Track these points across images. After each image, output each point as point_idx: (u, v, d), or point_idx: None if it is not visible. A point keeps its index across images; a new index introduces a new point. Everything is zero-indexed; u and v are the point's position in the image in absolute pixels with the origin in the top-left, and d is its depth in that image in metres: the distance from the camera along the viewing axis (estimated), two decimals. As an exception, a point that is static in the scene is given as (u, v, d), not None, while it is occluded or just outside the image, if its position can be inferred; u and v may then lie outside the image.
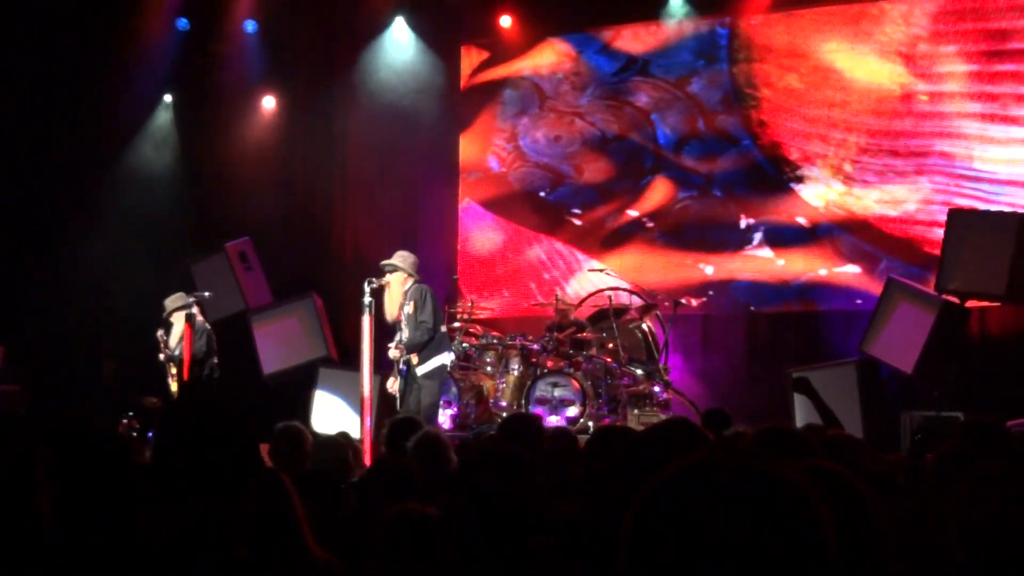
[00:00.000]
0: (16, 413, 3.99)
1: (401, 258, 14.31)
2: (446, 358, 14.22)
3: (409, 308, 14.16)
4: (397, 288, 14.09)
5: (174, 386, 15.79)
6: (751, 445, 5.22)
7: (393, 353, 14.15)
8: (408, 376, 14.02)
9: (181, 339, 15.42)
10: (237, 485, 3.63)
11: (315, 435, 9.22)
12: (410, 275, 14.16)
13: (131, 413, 15.42)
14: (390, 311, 14.30)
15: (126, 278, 18.33)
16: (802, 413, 14.52)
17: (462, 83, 19.87)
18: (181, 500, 3.60)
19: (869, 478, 5.49)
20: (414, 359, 13.91)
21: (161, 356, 16.02)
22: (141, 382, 17.31)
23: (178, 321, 15.73)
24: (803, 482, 2.15)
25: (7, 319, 17.84)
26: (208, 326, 16.17)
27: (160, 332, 16.09)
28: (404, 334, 14.00)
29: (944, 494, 5.82)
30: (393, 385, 14.09)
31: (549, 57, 19.38)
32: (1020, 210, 14.74)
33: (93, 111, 18.82)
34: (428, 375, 13.98)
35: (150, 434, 15.33)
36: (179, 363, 15.31)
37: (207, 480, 3.59)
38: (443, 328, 14.39)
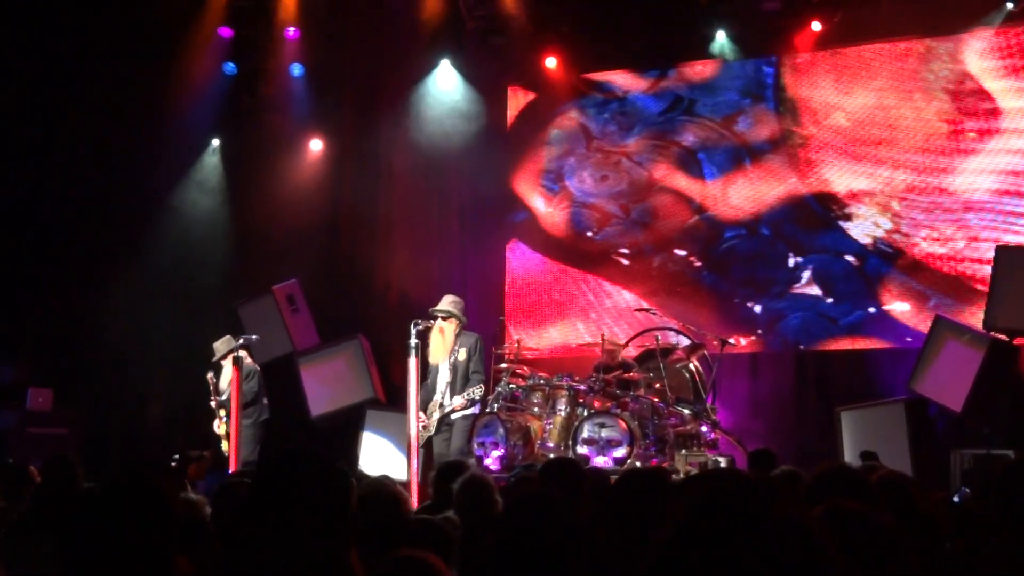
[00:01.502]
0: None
1: (453, 304, 14.73)
2: (476, 409, 14.87)
3: (461, 355, 14.51)
4: (449, 334, 14.54)
5: (222, 429, 15.85)
6: (810, 486, 5.18)
7: (460, 401, 14.51)
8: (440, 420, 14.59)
9: (230, 383, 15.47)
10: (338, 532, 3.62)
11: (360, 480, 9.19)
12: (461, 321, 14.57)
13: (177, 456, 15.48)
14: (438, 355, 14.59)
15: (173, 321, 18.47)
16: (851, 451, 14.46)
17: (508, 124, 19.91)
18: (272, 549, 3.58)
19: (923, 518, 5.45)
20: (457, 402, 14.41)
21: (212, 402, 16.08)
22: (188, 426, 17.40)
23: (228, 365, 15.80)
24: (812, 524, 2.18)
25: (56, 362, 17.95)
26: (257, 368, 16.24)
27: (210, 375, 16.16)
28: (446, 378, 14.45)
29: (994, 534, 5.77)
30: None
31: (595, 98, 19.42)
32: (1069, 246, 14.66)
33: (141, 155, 18.92)
34: (462, 419, 14.51)
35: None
36: (229, 406, 15.35)
37: (305, 529, 3.58)
38: None
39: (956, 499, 12.11)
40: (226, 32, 19.49)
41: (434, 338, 14.88)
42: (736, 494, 2.30)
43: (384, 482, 8.20)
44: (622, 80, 19.29)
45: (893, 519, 3.47)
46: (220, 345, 16.08)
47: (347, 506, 3.69)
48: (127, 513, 3.94)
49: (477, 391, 14.66)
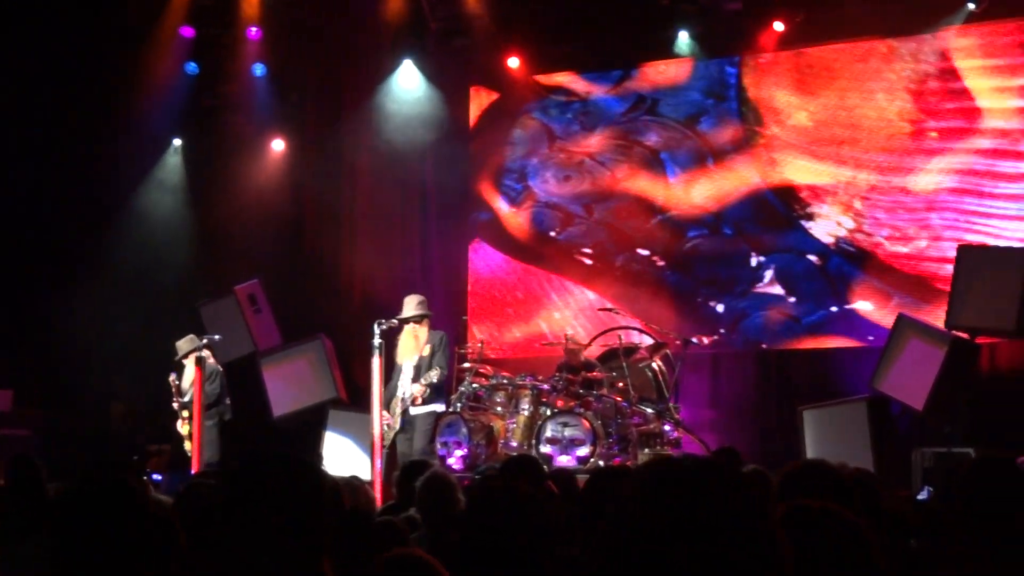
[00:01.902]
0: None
1: (420, 304, 14.84)
2: (440, 407, 14.89)
3: (426, 352, 14.59)
4: (423, 335, 14.88)
5: (185, 429, 15.80)
6: (782, 483, 5.18)
7: (417, 388, 14.51)
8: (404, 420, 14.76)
9: (192, 383, 15.44)
10: (312, 535, 3.60)
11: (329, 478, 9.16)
12: (430, 317, 14.76)
13: (136, 457, 15.44)
14: (406, 354, 14.72)
15: (134, 321, 18.39)
16: (813, 449, 14.50)
17: (471, 124, 19.89)
18: (245, 552, 3.55)
19: (889, 515, 5.47)
20: (415, 389, 14.46)
21: (175, 403, 16.04)
22: (150, 425, 17.34)
23: (190, 365, 15.77)
24: (763, 503, 2.20)
25: (16, 363, 17.86)
26: (220, 368, 16.20)
27: (172, 376, 16.13)
28: (409, 375, 14.57)
29: (957, 532, 5.80)
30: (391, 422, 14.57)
31: (558, 98, 19.41)
32: (1030, 245, 14.72)
33: (103, 155, 18.87)
34: (424, 418, 14.46)
35: (157, 477, 15.39)
36: (191, 407, 15.31)
37: (278, 533, 3.55)
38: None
39: (921, 497, 12.17)
40: (188, 32, 19.42)
41: (405, 339, 14.97)
42: (682, 472, 2.31)
43: (352, 482, 8.20)
44: (585, 80, 19.29)
45: (859, 517, 3.46)
46: (183, 344, 16.06)
47: (319, 506, 3.66)
48: (108, 515, 3.91)
49: (433, 374, 14.68)
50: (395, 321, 14.18)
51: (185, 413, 15.89)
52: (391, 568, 4.22)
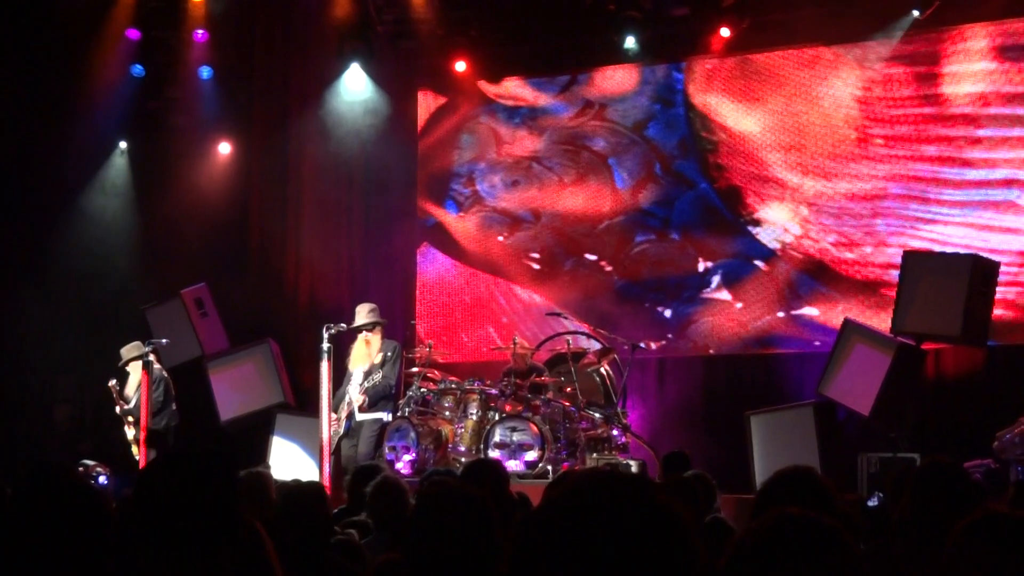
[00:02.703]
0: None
1: (372, 312, 14.91)
2: (386, 416, 14.95)
3: (377, 360, 14.60)
4: (376, 343, 14.98)
5: (131, 433, 15.70)
6: (767, 489, 5.19)
7: (358, 399, 14.50)
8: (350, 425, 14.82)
9: (138, 387, 15.36)
10: (218, 535, 3.59)
11: (276, 482, 9.15)
12: (383, 325, 14.84)
13: (85, 461, 15.34)
14: (359, 362, 14.75)
15: (80, 324, 18.27)
16: (760, 454, 14.58)
17: (419, 128, 19.86)
18: (160, 550, 3.55)
19: (842, 518, 5.50)
20: (356, 398, 14.53)
21: (117, 409, 15.95)
22: (94, 428, 17.24)
23: (134, 370, 15.70)
24: (677, 507, 2.23)
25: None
26: (165, 374, 16.10)
27: (113, 382, 16.02)
28: (359, 382, 14.59)
29: (904, 535, 5.84)
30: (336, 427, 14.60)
31: (506, 102, 19.41)
32: (973, 252, 14.81)
33: (47, 157, 18.74)
34: (370, 424, 14.53)
35: (103, 481, 15.29)
36: (137, 412, 15.22)
37: (189, 530, 3.55)
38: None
39: (871, 504, 12.25)
40: (134, 34, 19.28)
41: (358, 347, 14.99)
42: (593, 483, 2.34)
43: (310, 485, 8.18)
44: (532, 86, 19.29)
45: (838, 522, 3.48)
46: (126, 351, 15.97)
47: (231, 501, 3.67)
48: (63, 510, 3.90)
49: (376, 377, 14.68)
50: (343, 326, 14.15)
51: (130, 419, 15.79)
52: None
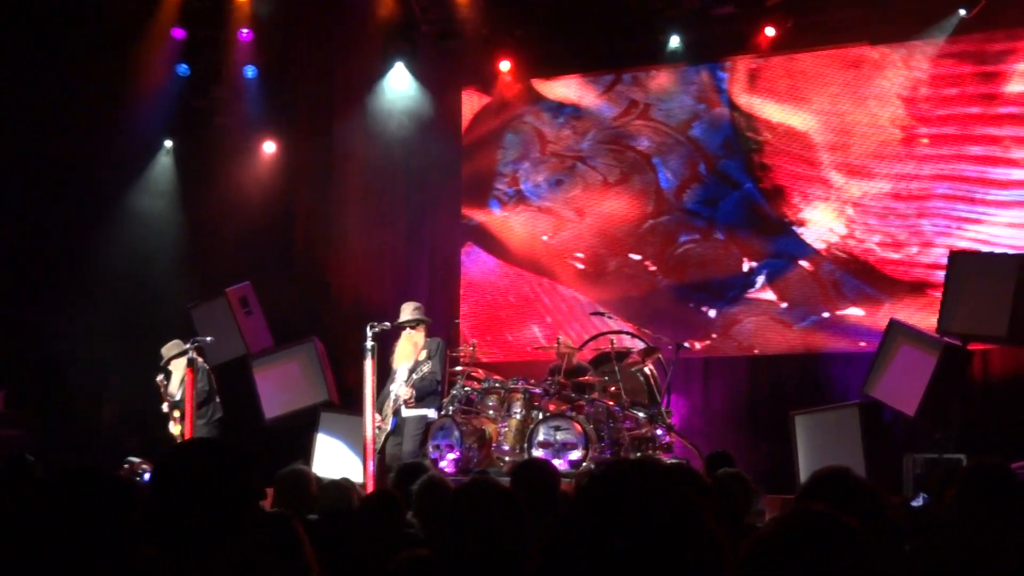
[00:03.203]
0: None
1: (417, 310, 14.94)
2: (432, 413, 14.96)
3: (422, 357, 14.60)
4: (420, 340, 14.93)
5: (176, 429, 15.74)
6: (806, 489, 5.17)
7: (405, 392, 14.51)
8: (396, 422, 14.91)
9: (182, 383, 15.40)
10: (235, 530, 3.59)
11: (320, 479, 9.17)
12: (428, 324, 14.91)
13: (130, 458, 15.39)
14: (403, 359, 14.78)
15: (126, 323, 18.34)
16: (804, 455, 14.53)
17: (463, 127, 19.86)
18: (175, 546, 3.55)
19: (887, 520, 5.47)
20: (403, 392, 14.53)
21: (164, 406, 15.99)
22: (140, 426, 17.31)
23: (177, 368, 15.74)
24: (700, 507, 2.24)
25: (7, 364, 17.82)
26: (207, 367, 16.13)
27: (160, 378, 16.06)
28: (403, 379, 14.60)
29: (950, 536, 5.81)
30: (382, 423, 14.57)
31: (550, 102, 19.39)
32: (1020, 252, 14.73)
33: (93, 156, 18.81)
34: (415, 422, 14.52)
35: (148, 477, 15.34)
36: (182, 406, 15.26)
37: (203, 525, 3.55)
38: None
39: (916, 504, 12.19)
40: (179, 33, 19.35)
41: (403, 344, 15.01)
42: (618, 477, 2.34)
43: (343, 484, 8.20)
44: (577, 85, 19.27)
45: (858, 521, 3.46)
46: (167, 350, 16.00)
47: (245, 494, 3.67)
48: (93, 501, 3.90)
49: (424, 367, 14.68)
50: (387, 325, 14.14)
51: (176, 413, 15.83)
52: (402, 569, 4.24)
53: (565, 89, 19.32)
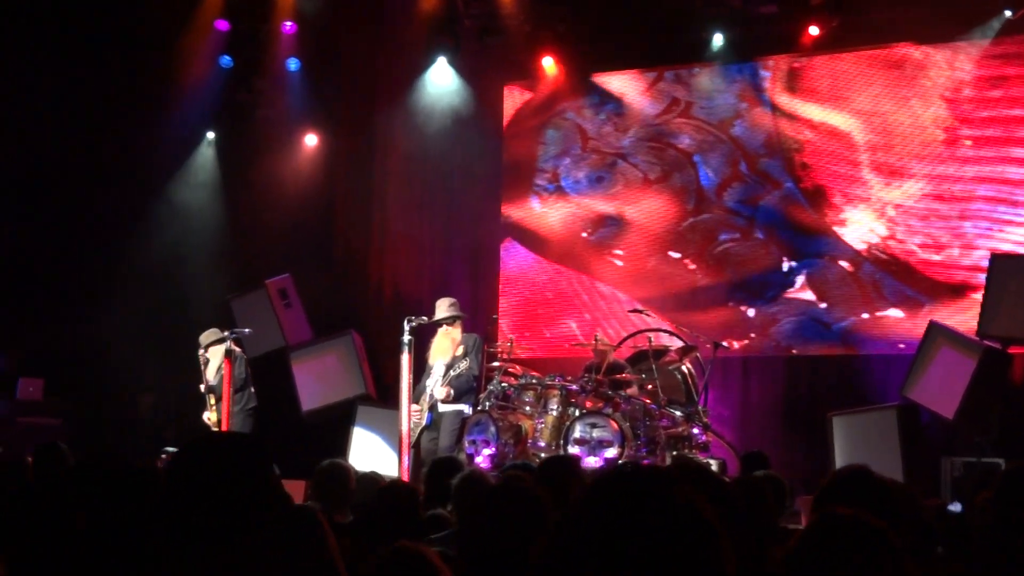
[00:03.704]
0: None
1: (452, 306, 14.92)
2: (467, 408, 14.93)
3: (459, 353, 14.59)
4: (457, 336, 14.81)
5: (213, 417, 15.76)
6: (825, 490, 5.15)
7: (440, 392, 14.51)
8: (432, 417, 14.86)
9: (219, 371, 15.45)
10: (248, 524, 3.59)
11: (358, 474, 9.20)
12: (463, 319, 14.84)
13: (168, 448, 15.44)
14: (440, 355, 14.76)
15: (165, 313, 18.44)
16: (842, 456, 14.46)
17: (504, 123, 19.87)
18: (188, 540, 3.55)
19: (919, 523, 5.45)
20: (439, 393, 14.54)
21: (202, 387, 16.00)
22: (177, 416, 17.38)
23: (215, 356, 15.75)
24: (699, 505, 2.23)
25: (46, 353, 17.93)
26: (244, 355, 16.15)
27: (202, 352, 15.99)
28: (441, 376, 14.59)
29: (986, 540, 5.78)
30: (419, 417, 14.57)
31: (592, 98, 19.38)
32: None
33: (136, 147, 18.91)
34: (451, 417, 14.50)
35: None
36: (219, 395, 15.30)
37: (216, 519, 3.54)
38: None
39: (953, 509, 12.13)
40: (223, 25, 19.45)
41: (439, 340, 14.99)
42: (622, 480, 2.34)
43: (372, 477, 8.22)
44: (619, 81, 19.25)
45: (886, 524, 3.46)
46: (204, 337, 15.99)
47: (263, 486, 3.66)
48: (118, 491, 3.91)
49: (462, 365, 14.69)
50: (425, 319, 14.17)
51: (211, 400, 15.83)
52: (392, 559, 4.22)
53: (607, 86, 19.30)
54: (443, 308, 15.00)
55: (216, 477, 3.58)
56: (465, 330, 15.29)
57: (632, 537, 2.19)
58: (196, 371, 16.03)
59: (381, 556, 4.28)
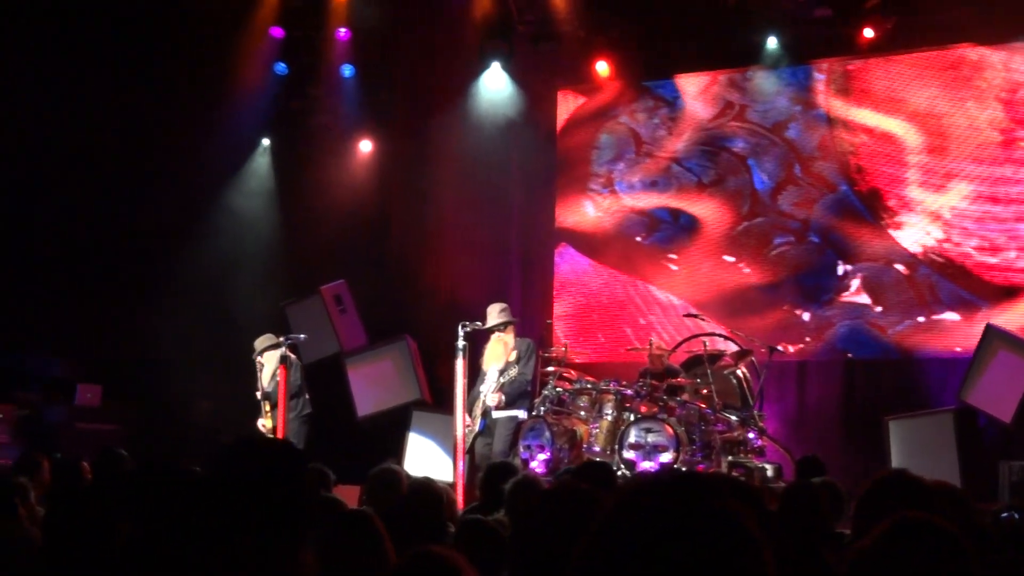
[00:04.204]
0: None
1: (503, 311, 14.87)
2: (522, 413, 14.89)
3: (512, 358, 14.57)
4: (510, 342, 14.84)
5: (268, 423, 15.78)
6: (868, 492, 5.13)
7: (493, 399, 14.51)
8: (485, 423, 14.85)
9: (273, 376, 15.48)
10: (290, 523, 3.60)
11: (410, 478, 9.21)
12: (515, 324, 14.80)
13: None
14: (493, 360, 14.74)
15: (222, 319, 18.52)
16: (898, 461, 14.39)
17: (558, 128, 19.88)
18: (225, 544, 3.57)
19: (978, 530, 5.43)
20: (492, 399, 14.54)
21: (257, 393, 16.04)
22: (233, 422, 17.45)
23: (269, 361, 15.78)
24: (742, 514, 2.21)
25: (105, 358, 18.05)
26: (299, 361, 16.18)
27: (257, 356, 16.01)
28: (493, 380, 14.57)
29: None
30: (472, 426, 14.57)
31: (646, 102, 19.36)
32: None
33: (191, 154, 19.01)
34: (505, 422, 14.50)
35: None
36: (274, 401, 15.33)
37: (252, 523, 3.56)
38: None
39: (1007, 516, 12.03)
40: (277, 32, 19.54)
41: (493, 346, 14.96)
42: (657, 488, 2.32)
43: (428, 482, 8.23)
44: (673, 85, 19.22)
45: (957, 528, 3.45)
46: (259, 342, 16.01)
47: (299, 497, 3.68)
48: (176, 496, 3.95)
49: (512, 371, 14.69)
50: (479, 324, 14.18)
51: (266, 406, 15.86)
52: (414, 563, 4.23)
53: (660, 90, 19.28)
54: (494, 314, 14.96)
55: (248, 480, 3.60)
56: (519, 334, 15.29)
57: (668, 545, 2.19)
58: (252, 377, 16.07)
59: (404, 558, 4.30)
